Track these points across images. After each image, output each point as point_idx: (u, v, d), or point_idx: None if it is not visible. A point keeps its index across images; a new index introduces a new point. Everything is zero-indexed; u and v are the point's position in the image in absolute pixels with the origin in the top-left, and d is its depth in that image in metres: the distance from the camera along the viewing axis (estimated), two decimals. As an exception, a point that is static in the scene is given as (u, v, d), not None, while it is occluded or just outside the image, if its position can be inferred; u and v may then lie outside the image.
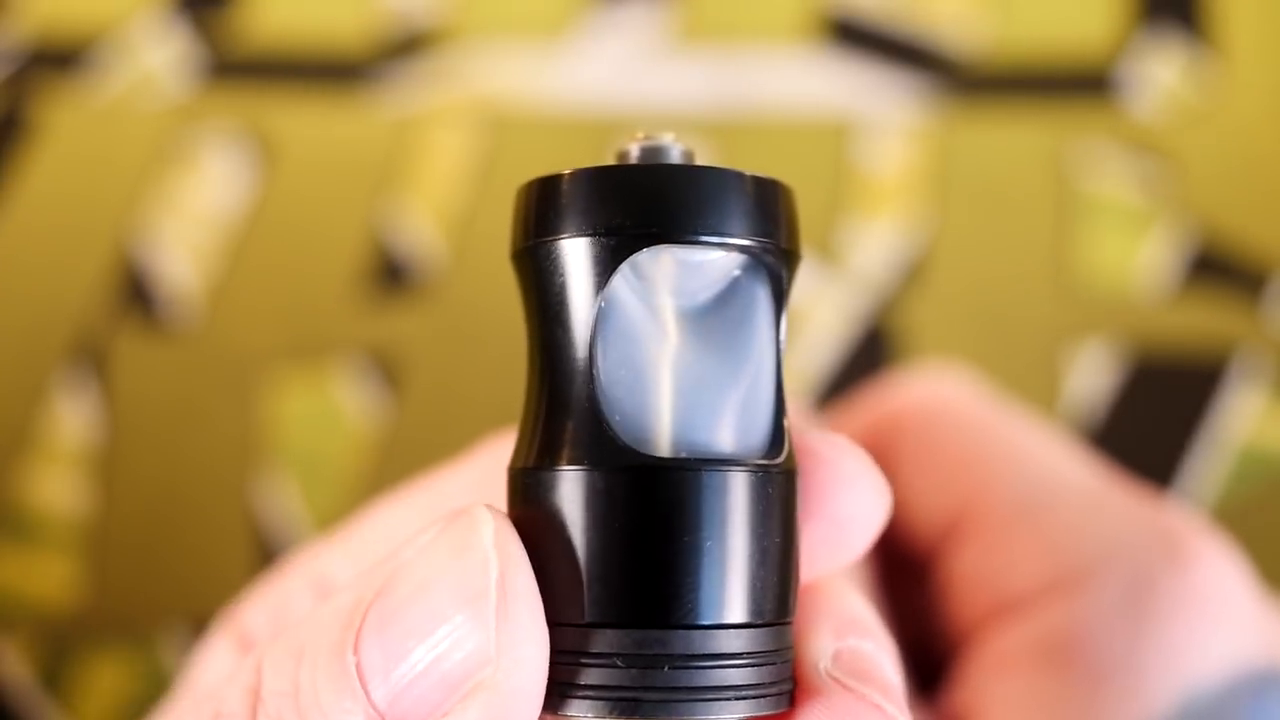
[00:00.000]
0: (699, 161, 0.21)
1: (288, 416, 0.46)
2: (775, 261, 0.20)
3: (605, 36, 0.51)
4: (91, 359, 0.47)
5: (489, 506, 0.19)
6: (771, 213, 0.20)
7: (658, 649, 0.19)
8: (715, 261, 0.20)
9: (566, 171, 0.20)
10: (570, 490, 0.19)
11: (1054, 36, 0.50)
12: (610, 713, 0.19)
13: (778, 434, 0.20)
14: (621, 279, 0.20)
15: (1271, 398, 0.44)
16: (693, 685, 0.19)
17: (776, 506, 0.20)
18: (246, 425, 0.46)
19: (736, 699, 0.19)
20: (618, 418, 0.19)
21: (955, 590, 0.30)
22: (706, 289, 0.20)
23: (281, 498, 0.45)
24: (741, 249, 0.20)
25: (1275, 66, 0.49)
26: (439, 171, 0.49)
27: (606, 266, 0.19)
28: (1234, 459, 0.43)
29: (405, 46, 0.52)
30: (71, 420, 0.46)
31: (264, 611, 0.26)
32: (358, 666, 0.19)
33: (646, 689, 0.19)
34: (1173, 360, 0.45)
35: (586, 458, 0.19)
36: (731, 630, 0.19)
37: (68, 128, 0.51)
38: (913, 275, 0.47)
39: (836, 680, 0.20)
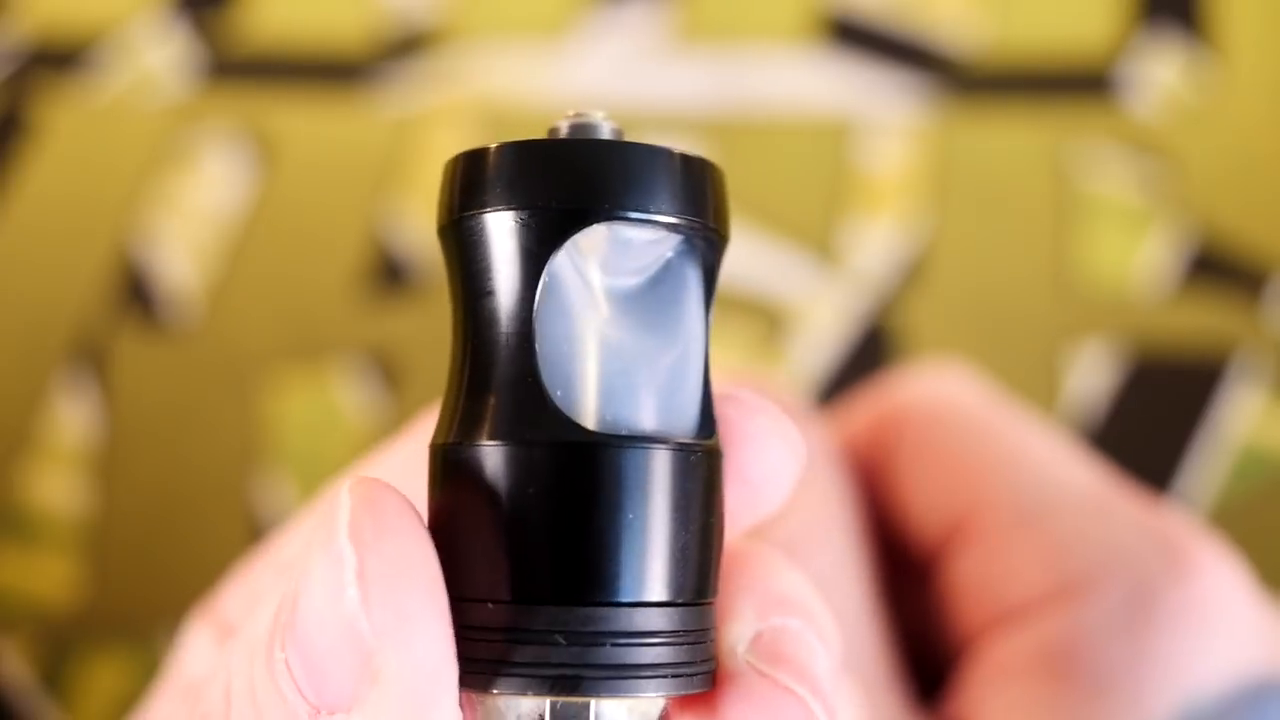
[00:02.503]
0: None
1: (288, 416, 0.46)
2: (704, 241, 0.20)
3: (605, 36, 0.51)
4: (91, 359, 0.47)
5: (357, 486, 0.19)
6: (700, 192, 0.20)
7: (577, 625, 0.18)
8: (644, 239, 0.20)
9: (493, 145, 0.20)
10: (491, 465, 0.19)
11: (1054, 36, 0.50)
12: (527, 689, 0.19)
13: (704, 414, 0.20)
14: (548, 254, 0.19)
15: (1271, 398, 0.44)
16: (611, 663, 0.19)
17: (700, 485, 0.19)
18: (246, 425, 0.46)
19: (653, 678, 0.19)
20: (545, 394, 0.19)
21: (956, 596, 0.30)
22: (635, 266, 0.20)
23: (281, 498, 0.45)
24: (670, 227, 0.20)
25: (1275, 66, 0.49)
26: (439, 171, 0.49)
27: (531, 242, 0.19)
28: (1234, 459, 0.43)
29: (405, 46, 0.52)
30: (71, 420, 0.46)
31: (240, 599, 0.26)
32: (285, 663, 0.19)
33: (564, 665, 0.18)
34: (1172, 360, 0.45)
35: (510, 433, 0.19)
36: (651, 608, 0.19)
37: (68, 128, 0.51)
38: (913, 275, 0.47)
39: (751, 665, 0.20)
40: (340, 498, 0.18)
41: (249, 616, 0.23)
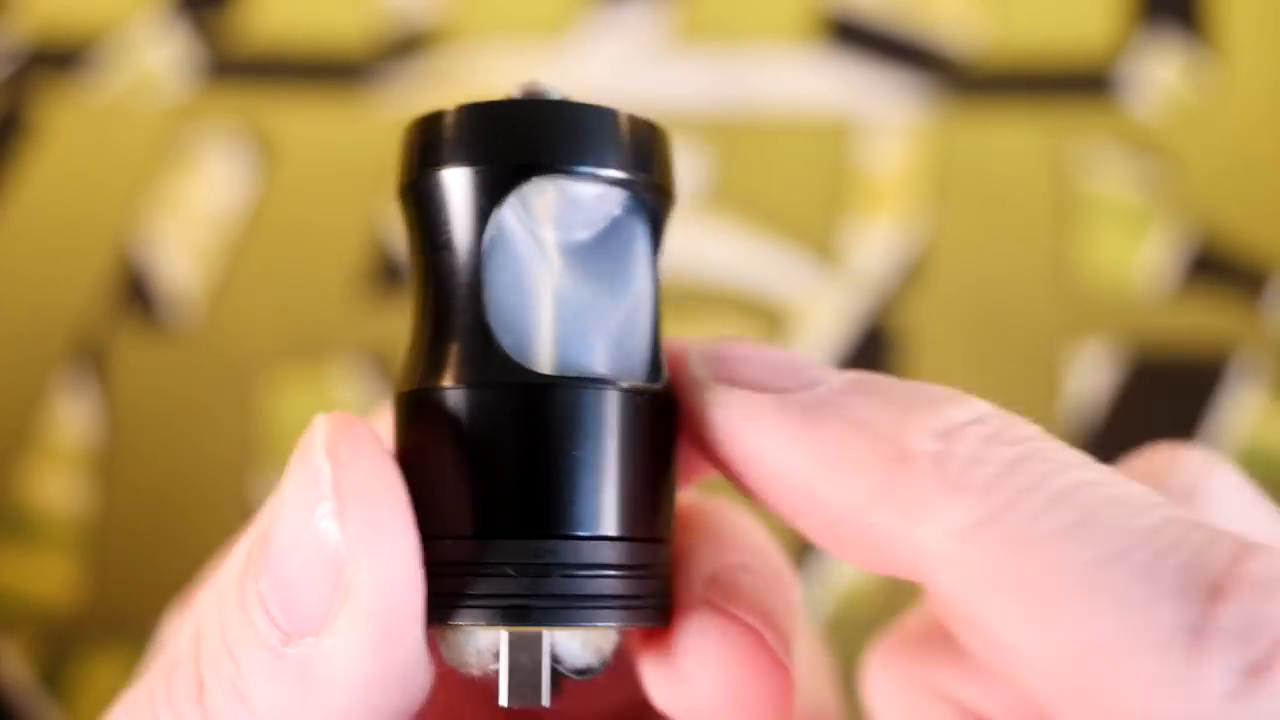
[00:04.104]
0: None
1: (288, 416, 0.46)
2: (651, 197, 0.21)
3: (605, 36, 0.51)
4: (91, 359, 0.47)
5: (331, 415, 0.20)
6: (645, 150, 0.21)
7: (528, 558, 0.19)
8: (591, 194, 0.20)
9: (449, 107, 0.21)
10: (455, 407, 0.20)
11: (1054, 36, 0.50)
12: (483, 620, 0.19)
13: (654, 362, 0.21)
14: (504, 208, 0.20)
15: (1271, 397, 0.44)
16: (561, 593, 0.19)
17: (651, 428, 0.20)
18: (246, 425, 0.46)
19: (610, 609, 0.19)
20: (503, 340, 0.20)
21: None
22: (585, 220, 0.21)
23: (281, 498, 0.45)
24: (616, 182, 0.20)
25: (1275, 66, 0.49)
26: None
27: (488, 196, 0.20)
28: (1234, 459, 0.43)
29: (405, 46, 0.52)
30: (71, 420, 0.46)
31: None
32: (259, 593, 0.19)
33: (516, 596, 0.19)
34: (1172, 360, 0.45)
35: (467, 376, 0.20)
36: (600, 542, 0.19)
37: (68, 128, 0.51)
38: (913, 275, 0.47)
39: (709, 602, 0.20)
40: (315, 424, 0.20)
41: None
